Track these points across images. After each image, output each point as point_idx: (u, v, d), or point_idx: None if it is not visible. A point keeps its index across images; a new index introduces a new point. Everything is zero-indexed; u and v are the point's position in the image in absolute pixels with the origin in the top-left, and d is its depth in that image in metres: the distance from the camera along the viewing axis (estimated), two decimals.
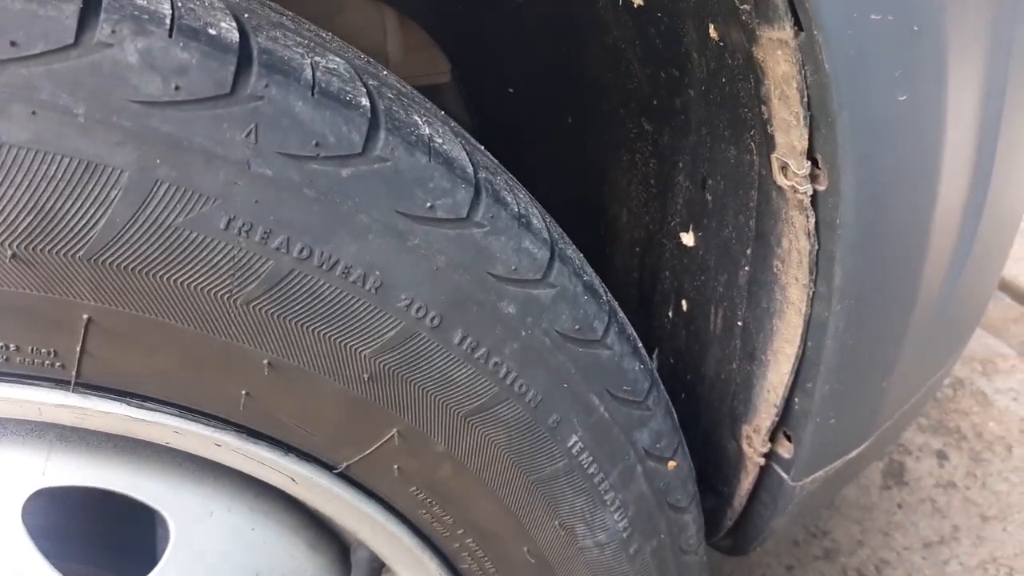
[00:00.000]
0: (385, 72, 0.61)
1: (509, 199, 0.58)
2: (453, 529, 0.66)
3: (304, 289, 0.50)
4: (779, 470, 0.77)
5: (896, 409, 0.82)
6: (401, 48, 1.21)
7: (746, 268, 0.75)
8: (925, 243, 0.67)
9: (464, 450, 0.61)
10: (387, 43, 1.20)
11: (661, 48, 0.77)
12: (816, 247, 0.64)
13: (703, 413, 0.88)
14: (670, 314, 0.97)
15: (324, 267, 0.49)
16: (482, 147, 0.65)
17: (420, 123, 0.55)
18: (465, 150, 0.57)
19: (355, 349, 0.53)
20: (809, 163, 0.60)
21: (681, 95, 0.81)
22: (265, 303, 0.50)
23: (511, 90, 1.22)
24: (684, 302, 0.92)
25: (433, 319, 0.53)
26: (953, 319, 0.88)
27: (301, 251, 0.48)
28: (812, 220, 0.62)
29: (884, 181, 0.60)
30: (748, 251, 0.74)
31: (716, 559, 1.24)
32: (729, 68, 0.66)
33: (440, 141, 0.55)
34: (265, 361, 0.53)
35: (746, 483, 0.80)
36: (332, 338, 0.52)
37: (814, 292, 0.66)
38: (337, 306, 0.51)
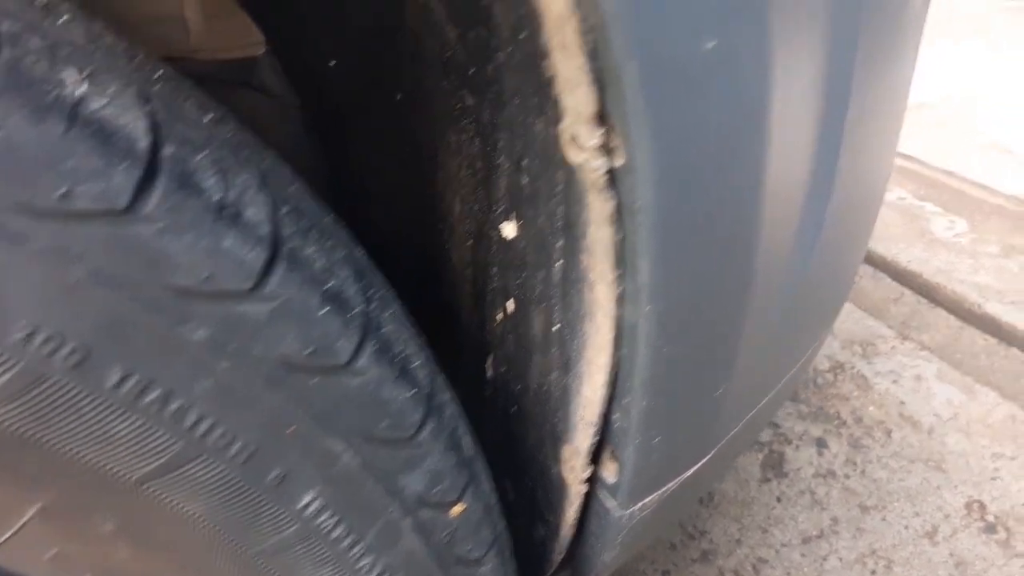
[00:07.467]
0: (66, 20, 0.45)
1: (209, 183, 0.43)
2: None
3: None
4: (605, 497, 0.66)
5: (739, 418, 0.71)
6: (200, 14, 1.04)
7: (558, 263, 0.63)
8: (755, 228, 0.57)
9: (144, 526, 0.45)
10: (183, 7, 1.03)
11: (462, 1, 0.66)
12: (620, 236, 0.52)
13: (529, 430, 0.76)
14: (499, 316, 0.84)
15: None
16: (209, 114, 0.50)
17: (72, 81, 0.39)
18: (149, 119, 0.42)
19: None
20: (602, 131, 0.48)
21: (493, 60, 0.68)
22: None
23: (332, 63, 1.07)
24: (511, 302, 0.80)
25: (72, 355, 0.38)
26: (805, 311, 0.78)
27: None
28: (611, 204, 0.51)
29: (693, 152, 0.49)
30: (559, 244, 0.62)
31: None
32: (526, 18, 0.54)
33: (101, 104, 0.40)
34: None
35: (571, 512, 0.68)
36: None
37: (623, 291, 0.54)
38: None
